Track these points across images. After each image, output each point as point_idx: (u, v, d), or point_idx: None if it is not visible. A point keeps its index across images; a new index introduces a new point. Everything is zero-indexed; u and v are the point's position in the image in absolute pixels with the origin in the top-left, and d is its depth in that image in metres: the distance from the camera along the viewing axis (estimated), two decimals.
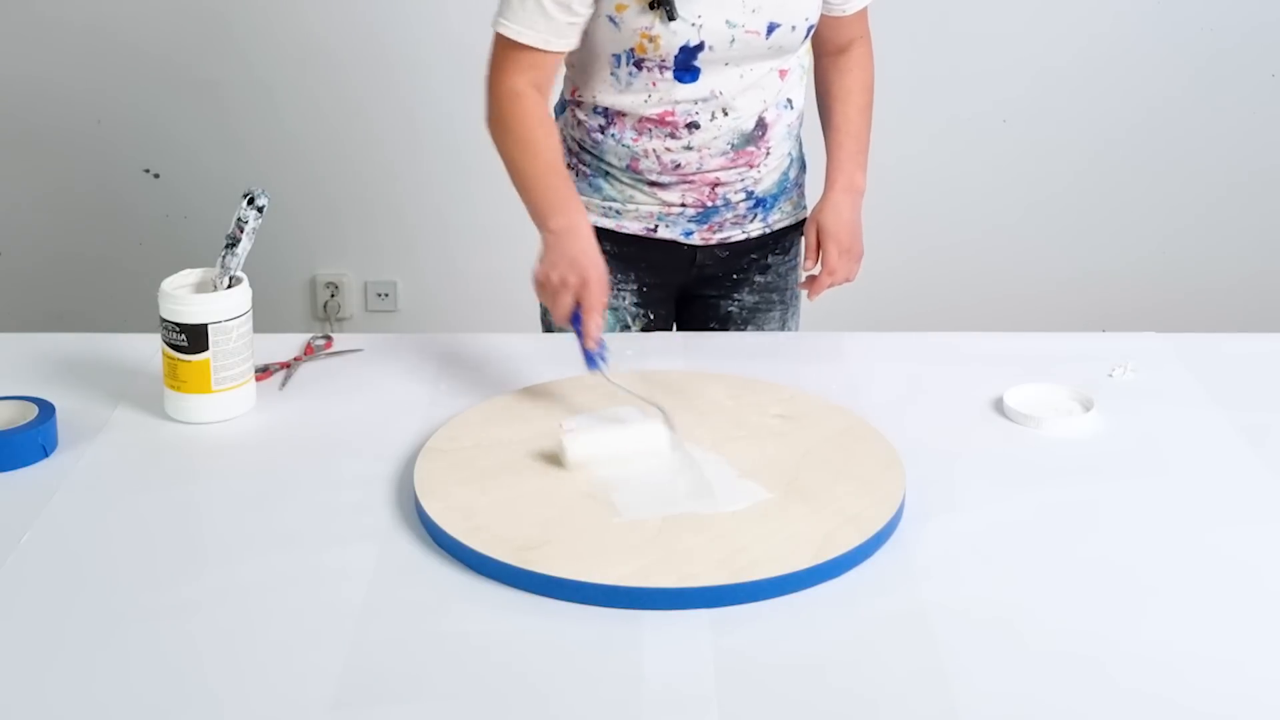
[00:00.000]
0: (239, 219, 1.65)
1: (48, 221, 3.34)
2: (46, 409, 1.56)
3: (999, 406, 1.68)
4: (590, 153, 1.92)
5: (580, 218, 1.72)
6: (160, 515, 1.44)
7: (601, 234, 1.95)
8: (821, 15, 1.87)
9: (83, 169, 3.29)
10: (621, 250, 1.96)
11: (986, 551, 1.38)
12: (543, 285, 1.69)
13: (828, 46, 1.94)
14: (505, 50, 1.77)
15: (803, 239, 2.03)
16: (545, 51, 1.75)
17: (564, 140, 1.95)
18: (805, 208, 2.04)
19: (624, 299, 1.98)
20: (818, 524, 1.37)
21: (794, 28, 1.80)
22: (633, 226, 1.94)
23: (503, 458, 1.50)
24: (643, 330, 2.00)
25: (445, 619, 1.27)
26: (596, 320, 1.64)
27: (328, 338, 1.83)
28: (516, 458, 1.50)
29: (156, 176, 3.30)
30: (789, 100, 1.90)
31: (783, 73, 1.86)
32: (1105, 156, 3.30)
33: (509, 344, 1.91)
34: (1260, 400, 1.72)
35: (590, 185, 1.94)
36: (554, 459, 1.49)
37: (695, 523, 1.38)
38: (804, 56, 1.91)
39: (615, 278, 1.96)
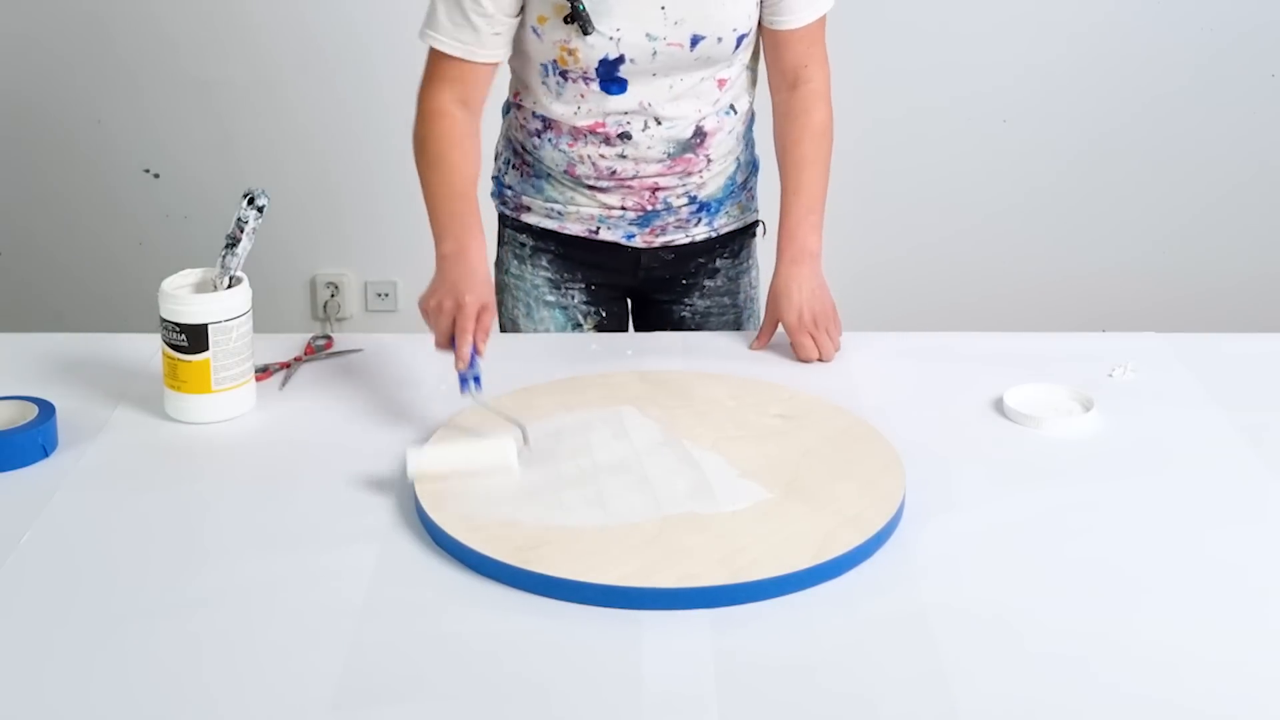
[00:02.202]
0: (239, 219, 1.65)
1: (48, 221, 3.34)
2: (46, 409, 1.56)
3: (999, 406, 1.68)
4: (531, 154, 1.91)
5: (472, 242, 1.71)
6: (160, 515, 1.44)
7: (546, 234, 1.95)
8: (766, 30, 1.83)
9: (83, 169, 3.29)
10: (566, 251, 1.96)
11: (986, 552, 1.38)
12: (424, 310, 1.69)
13: (776, 69, 1.86)
14: (434, 63, 1.77)
15: (753, 241, 2.04)
16: (471, 63, 1.75)
17: (509, 140, 1.95)
18: (755, 211, 2.02)
19: (572, 297, 1.97)
20: (818, 524, 1.37)
21: (720, 39, 1.76)
22: (574, 228, 1.94)
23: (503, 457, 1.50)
24: (595, 329, 1.99)
25: (445, 619, 1.27)
26: (466, 342, 1.60)
27: (328, 338, 1.83)
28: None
29: (156, 176, 3.30)
30: (731, 106, 1.87)
31: (721, 82, 1.82)
32: (1105, 156, 3.30)
33: (509, 344, 1.91)
34: (1260, 400, 1.72)
35: (533, 186, 1.93)
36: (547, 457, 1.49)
37: (695, 523, 1.38)
38: (753, 61, 1.87)
39: (562, 276, 1.97)
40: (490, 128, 2.02)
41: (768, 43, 1.86)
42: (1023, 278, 3.36)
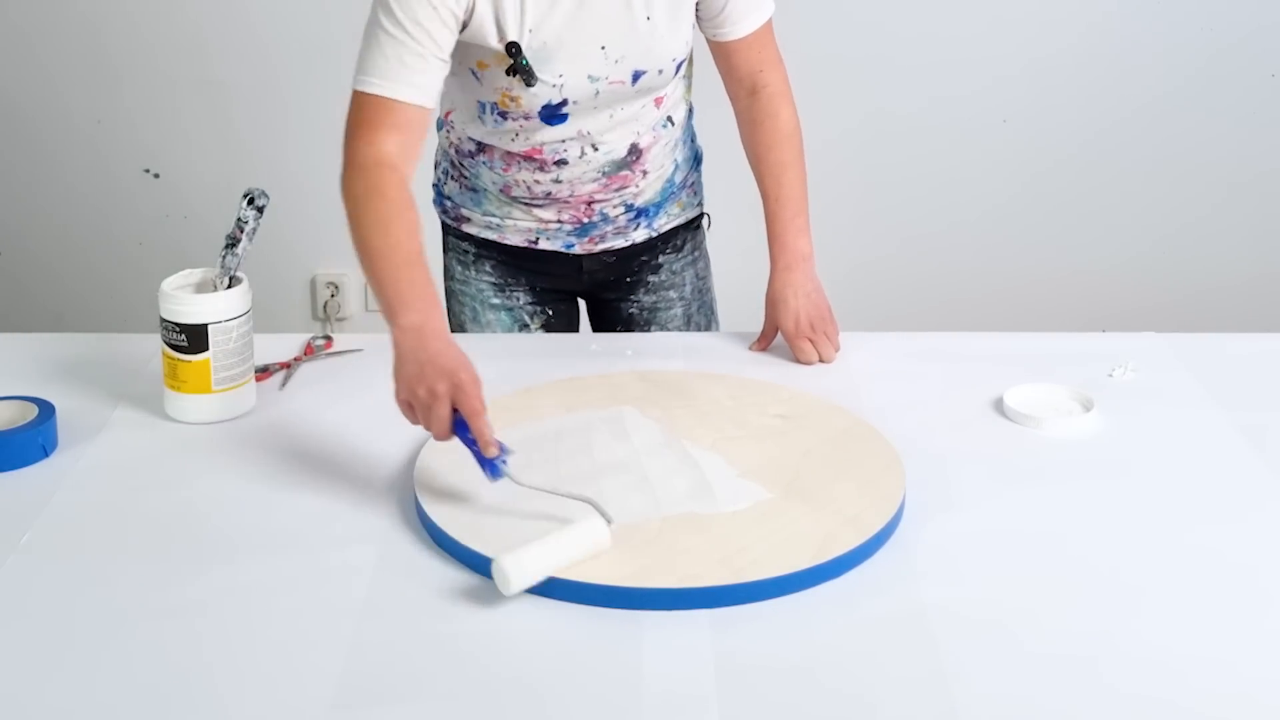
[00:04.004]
0: (239, 219, 1.65)
1: (48, 221, 3.34)
2: (46, 409, 1.56)
3: (999, 406, 1.68)
4: (468, 171, 1.90)
5: (435, 312, 1.50)
6: (160, 515, 1.43)
7: (486, 244, 1.94)
8: (713, 43, 1.82)
9: (83, 169, 3.29)
10: (508, 259, 1.95)
11: (986, 552, 1.38)
12: (407, 403, 1.43)
13: (732, 78, 1.86)
14: (372, 110, 1.62)
15: (698, 233, 2.03)
16: (420, 108, 1.62)
17: (446, 151, 1.94)
18: (699, 205, 2.02)
19: (518, 299, 1.97)
20: (818, 524, 1.37)
21: (661, 71, 1.75)
22: (514, 239, 1.93)
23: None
24: (543, 328, 1.99)
25: (445, 619, 1.27)
26: (485, 422, 1.40)
27: (328, 338, 1.83)
28: (515, 457, 1.50)
29: (156, 176, 3.30)
30: (669, 119, 1.86)
31: (659, 100, 1.82)
32: (1105, 156, 3.30)
33: (509, 344, 1.91)
34: (1260, 400, 1.72)
35: (471, 199, 1.92)
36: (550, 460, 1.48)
37: (695, 523, 1.38)
38: (687, 67, 1.85)
39: (506, 281, 1.96)
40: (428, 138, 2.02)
41: (718, 55, 1.84)
42: (1022, 277, 3.36)
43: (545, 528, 1.36)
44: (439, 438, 1.42)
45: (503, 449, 1.41)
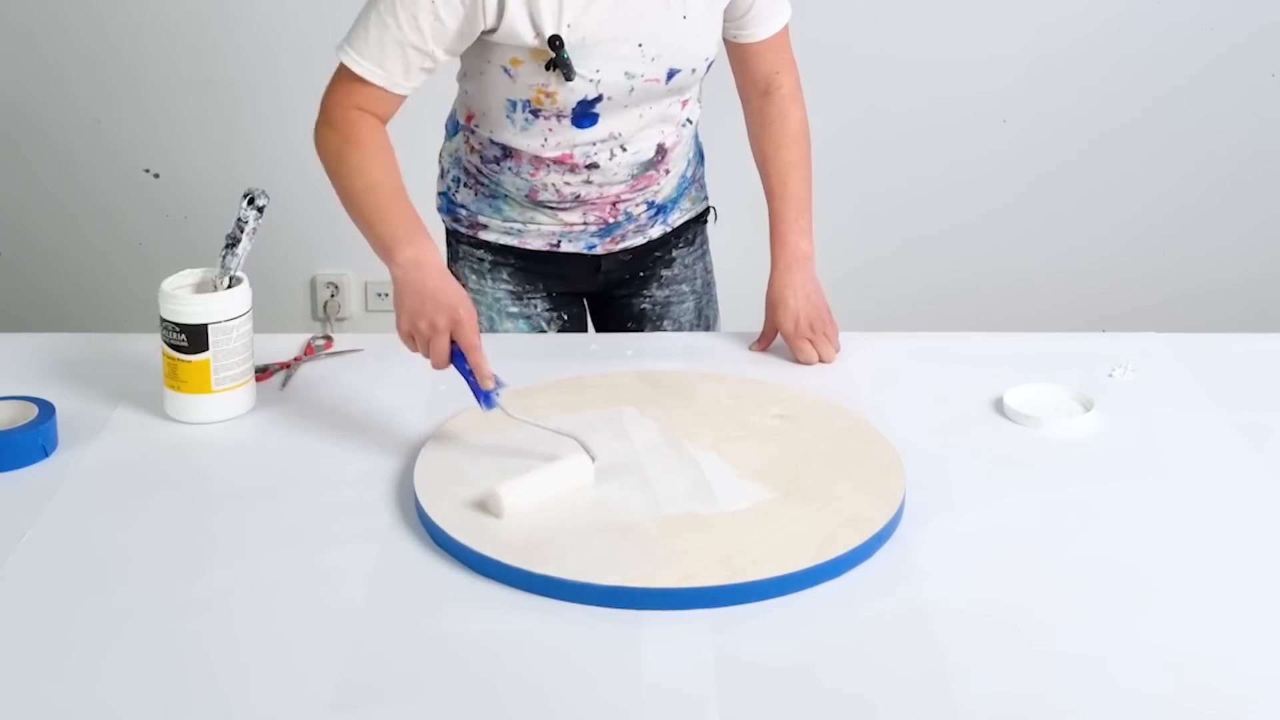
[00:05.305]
0: (239, 219, 1.65)
1: (48, 221, 3.34)
2: (46, 409, 1.56)
3: (999, 406, 1.68)
4: (488, 178, 1.90)
5: (428, 245, 1.59)
6: (160, 515, 1.44)
7: (505, 249, 1.94)
8: (731, 44, 1.84)
9: (83, 169, 3.29)
10: (527, 264, 1.95)
11: (986, 552, 1.38)
12: (409, 335, 1.55)
13: (747, 79, 1.88)
14: (349, 81, 1.68)
15: (705, 226, 2.05)
16: (391, 93, 1.68)
17: (457, 159, 1.94)
18: (705, 198, 2.04)
19: (535, 306, 1.97)
20: (818, 524, 1.37)
21: (694, 70, 1.77)
22: (535, 243, 1.93)
23: (502, 458, 1.50)
24: (559, 332, 1.99)
25: (445, 619, 1.27)
26: (482, 355, 1.51)
27: (328, 338, 1.83)
28: (516, 457, 1.50)
29: (156, 176, 3.30)
30: (688, 119, 1.87)
31: (684, 102, 1.83)
32: (1106, 156, 3.30)
33: (509, 344, 1.91)
34: (1260, 400, 1.72)
35: (489, 206, 1.92)
36: (550, 460, 1.49)
37: (695, 523, 1.38)
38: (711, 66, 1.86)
39: (524, 288, 1.96)
40: (429, 139, 2.01)
41: (735, 56, 1.86)
42: (1023, 277, 3.36)
43: (547, 522, 1.36)
44: (437, 367, 1.54)
45: (497, 381, 1.51)
